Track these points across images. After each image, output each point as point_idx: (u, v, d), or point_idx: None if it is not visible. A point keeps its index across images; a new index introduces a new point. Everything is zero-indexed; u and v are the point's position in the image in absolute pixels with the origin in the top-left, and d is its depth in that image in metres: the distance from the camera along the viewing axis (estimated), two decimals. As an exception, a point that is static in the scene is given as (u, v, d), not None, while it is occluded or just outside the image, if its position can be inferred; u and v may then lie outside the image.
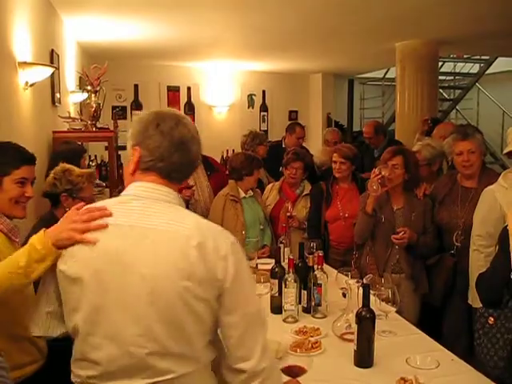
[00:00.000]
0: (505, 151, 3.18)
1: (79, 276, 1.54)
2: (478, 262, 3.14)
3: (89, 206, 1.67)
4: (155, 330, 1.49)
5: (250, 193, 4.33)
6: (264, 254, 3.96)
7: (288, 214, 4.28)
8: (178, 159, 1.63)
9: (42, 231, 1.70)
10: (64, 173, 2.95)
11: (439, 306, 3.60)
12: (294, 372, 1.93)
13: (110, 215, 1.58)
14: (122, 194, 1.68)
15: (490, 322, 2.27)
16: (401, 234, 3.50)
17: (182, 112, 1.77)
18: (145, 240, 1.52)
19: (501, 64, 10.82)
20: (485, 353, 2.29)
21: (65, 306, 1.61)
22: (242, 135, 5.60)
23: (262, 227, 4.29)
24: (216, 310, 1.54)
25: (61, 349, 1.82)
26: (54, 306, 1.67)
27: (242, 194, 4.28)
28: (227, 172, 4.56)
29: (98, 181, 4.99)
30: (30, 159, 2.27)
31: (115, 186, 4.82)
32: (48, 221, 2.50)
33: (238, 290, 1.56)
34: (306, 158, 4.58)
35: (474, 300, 3.15)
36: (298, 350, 2.14)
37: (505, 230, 2.41)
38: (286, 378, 1.95)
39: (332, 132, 6.50)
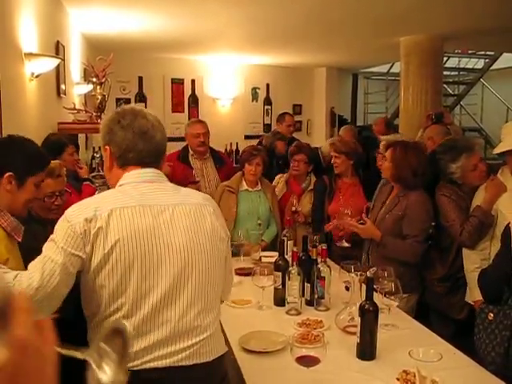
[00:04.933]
0: (495, 151, 3.20)
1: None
2: (472, 255, 3.23)
3: None
4: None
5: (258, 187, 4.32)
6: (253, 249, 3.91)
7: (293, 208, 4.30)
8: (143, 146, 1.83)
9: None
10: None
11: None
12: (308, 362, 1.95)
13: None
14: (118, 184, 1.84)
15: (490, 318, 2.29)
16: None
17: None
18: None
19: (506, 60, 10.80)
20: (483, 348, 2.31)
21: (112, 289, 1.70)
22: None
23: (259, 222, 4.27)
24: None
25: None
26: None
27: (244, 187, 4.28)
28: (236, 164, 4.60)
29: (101, 172, 5.01)
30: (48, 164, 2.26)
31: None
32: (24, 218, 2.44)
33: None
34: (308, 151, 4.59)
35: (471, 295, 3.19)
36: (307, 341, 2.16)
37: (507, 228, 2.42)
38: (298, 368, 1.97)
39: (346, 130, 6.51)
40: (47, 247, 1.67)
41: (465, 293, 3.38)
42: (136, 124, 1.82)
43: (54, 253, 1.64)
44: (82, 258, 1.66)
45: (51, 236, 1.70)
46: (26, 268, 2.13)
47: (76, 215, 1.68)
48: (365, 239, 3.61)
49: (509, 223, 2.43)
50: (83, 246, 1.65)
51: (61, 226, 1.69)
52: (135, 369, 1.67)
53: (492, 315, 2.28)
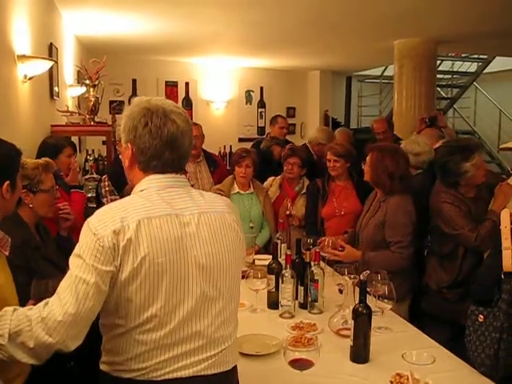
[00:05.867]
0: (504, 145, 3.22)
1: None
2: None
3: None
4: None
5: (250, 189, 4.32)
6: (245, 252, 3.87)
7: (287, 212, 4.30)
8: (169, 156, 1.71)
9: None
10: None
11: None
12: (301, 365, 1.94)
13: None
14: (139, 189, 1.73)
15: (480, 320, 2.29)
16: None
17: (176, 104, 1.80)
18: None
19: (499, 63, 10.84)
20: (473, 350, 2.30)
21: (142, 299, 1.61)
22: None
23: (251, 225, 4.26)
24: None
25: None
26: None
27: (236, 190, 4.28)
28: (228, 167, 4.59)
29: (94, 175, 5.00)
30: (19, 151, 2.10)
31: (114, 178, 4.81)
32: (12, 220, 2.34)
33: None
34: (301, 154, 4.60)
35: None
36: (301, 344, 2.16)
37: (498, 231, 2.42)
38: (291, 372, 1.96)
39: (341, 133, 6.54)
40: (75, 265, 1.55)
41: None
42: (165, 130, 1.68)
43: (84, 272, 1.53)
44: (112, 272, 1.55)
45: (76, 251, 1.57)
46: (15, 282, 2.07)
47: (102, 227, 1.56)
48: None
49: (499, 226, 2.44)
50: (113, 260, 1.54)
51: (86, 240, 1.56)
52: (158, 379, 1.63)
53: (482, 317, 2.28)
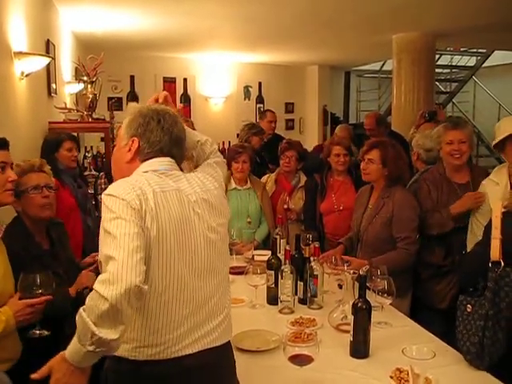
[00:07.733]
0: (495, 141, 3.22)
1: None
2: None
3: None
4: None
5: (248, 185, 4.31)
6: (244, 248, 3.82)
7: (285, 206, 4.29)
8: (176, 153, 1.87)
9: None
10: None
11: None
12: (301, 361, 1.94)
13: None
14: (142, 171, 1.79)
15: (469, 310, 2.28)
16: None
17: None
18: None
19: (497, 57, 10.84)
20: (459, 338, 2.31)
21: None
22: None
23: (249, 220, 4.25)
24: None
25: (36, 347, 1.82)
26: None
27: (233, 186, 4.27)
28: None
29: (93, 172, 4.99)
30: (2, 143, 2.12)
31: (111, 176, 4.82)
32: (14, 230, 2.40)
33: None
34: (298, 148, 4.59)
35: None
36: (300, 340, 2.15)
37: (491, 220, 2.43)
38: (291, 367, 1.96)
39: (342, 129, 6.49)
40: (116, 226, 1.56)
41: (449, 282, 3.38)
42: (175, 130, 1.85)
43: (126, 227, 1.56)
44: (144, 232, 1.60)
45: (111, 216, 1.58)
46: (11, 263, 2.11)
47: (127, 193, 1.62)
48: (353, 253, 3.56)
49: (490, 219, 2.44)
50: (142, 222, 1.61)
51: (117, 206, 1.59)
52: (179, 355, 1.70)
53: (470, 307, 2.28)
